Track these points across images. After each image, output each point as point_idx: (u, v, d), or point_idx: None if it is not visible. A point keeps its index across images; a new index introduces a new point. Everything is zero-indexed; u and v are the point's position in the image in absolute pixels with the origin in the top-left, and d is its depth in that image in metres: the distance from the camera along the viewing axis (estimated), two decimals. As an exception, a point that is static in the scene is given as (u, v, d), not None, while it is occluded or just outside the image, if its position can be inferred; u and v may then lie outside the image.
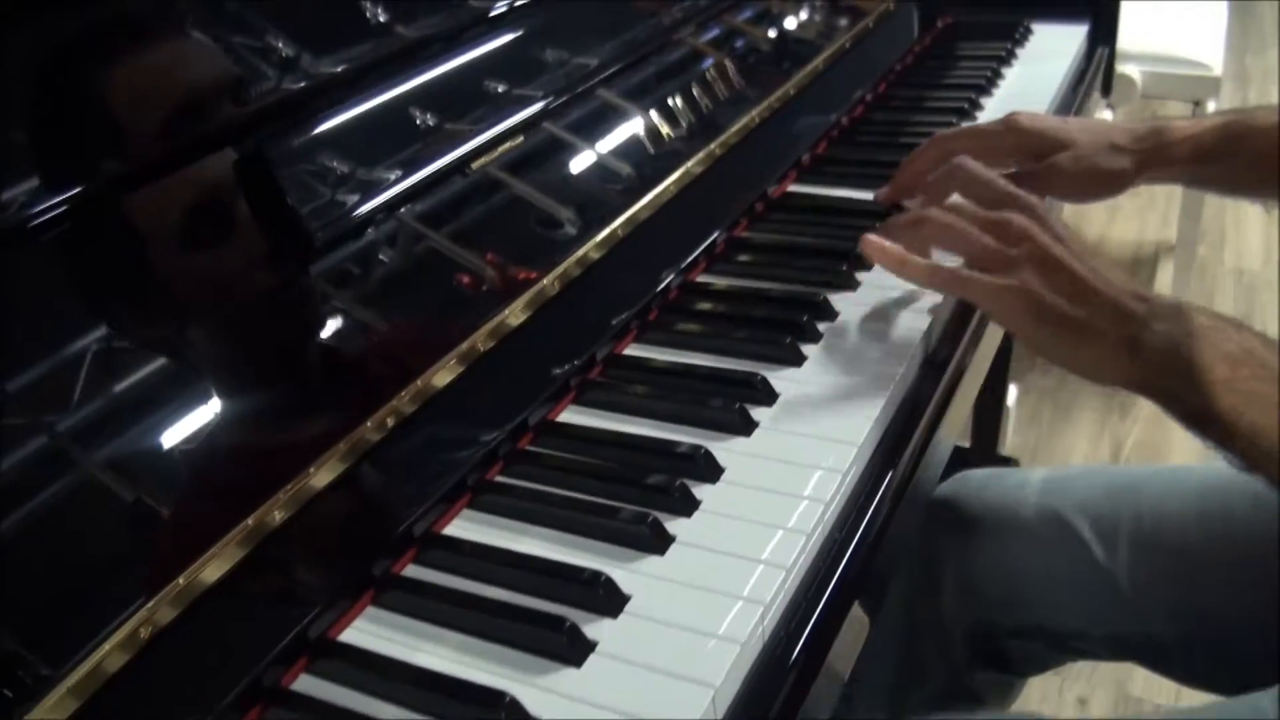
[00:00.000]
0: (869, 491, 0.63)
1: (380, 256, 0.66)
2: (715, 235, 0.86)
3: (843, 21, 1.22)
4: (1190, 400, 0.65)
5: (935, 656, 1.04)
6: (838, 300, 0.79)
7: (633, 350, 0.75)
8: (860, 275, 0.82)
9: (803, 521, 0.58)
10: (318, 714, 0.50)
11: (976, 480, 1.04)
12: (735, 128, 0.95)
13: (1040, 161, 0.89)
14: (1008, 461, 1.76)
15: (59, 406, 0.50)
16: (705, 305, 0.80)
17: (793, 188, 0.99)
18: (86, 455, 0.50)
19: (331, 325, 0.62)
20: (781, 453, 0.64)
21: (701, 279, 0.84)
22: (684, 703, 0.49)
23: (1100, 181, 0.88)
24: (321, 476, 0.56)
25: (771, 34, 1.10)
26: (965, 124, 1.09)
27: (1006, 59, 1.26)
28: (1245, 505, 0.89)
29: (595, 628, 0.53)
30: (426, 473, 0.61)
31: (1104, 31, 1.38)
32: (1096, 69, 1.36)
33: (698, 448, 0.63)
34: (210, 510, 0.53)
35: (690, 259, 0.83)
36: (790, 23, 1.14)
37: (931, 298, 0.79)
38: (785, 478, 0.62)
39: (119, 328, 0.53)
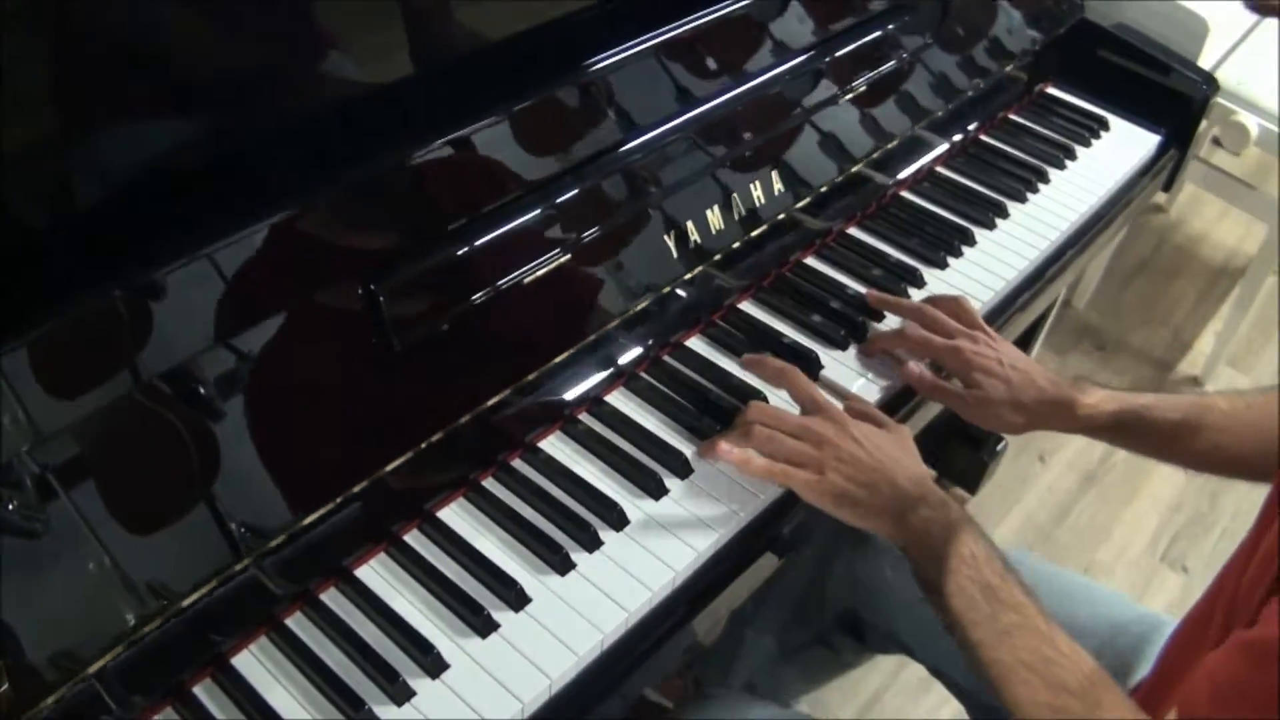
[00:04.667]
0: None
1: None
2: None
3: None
4: (927, 568, 0.92)
5: (813, 612, 1.38)
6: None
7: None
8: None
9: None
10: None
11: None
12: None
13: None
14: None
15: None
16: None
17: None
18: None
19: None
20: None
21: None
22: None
23: (995, 427, 1.11)
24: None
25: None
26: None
27: (1062, 158, 1.46)
28: (1093, 639, 1.06)
29: (502, 616, 0.88)
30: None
31: (1178, 140, 1.55)
32: (1162, 168, 1.54)
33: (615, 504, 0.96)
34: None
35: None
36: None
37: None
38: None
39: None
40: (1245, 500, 2.16)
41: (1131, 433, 1.10)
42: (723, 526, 0.97)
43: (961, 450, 2.03)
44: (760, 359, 1.08)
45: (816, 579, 1.36)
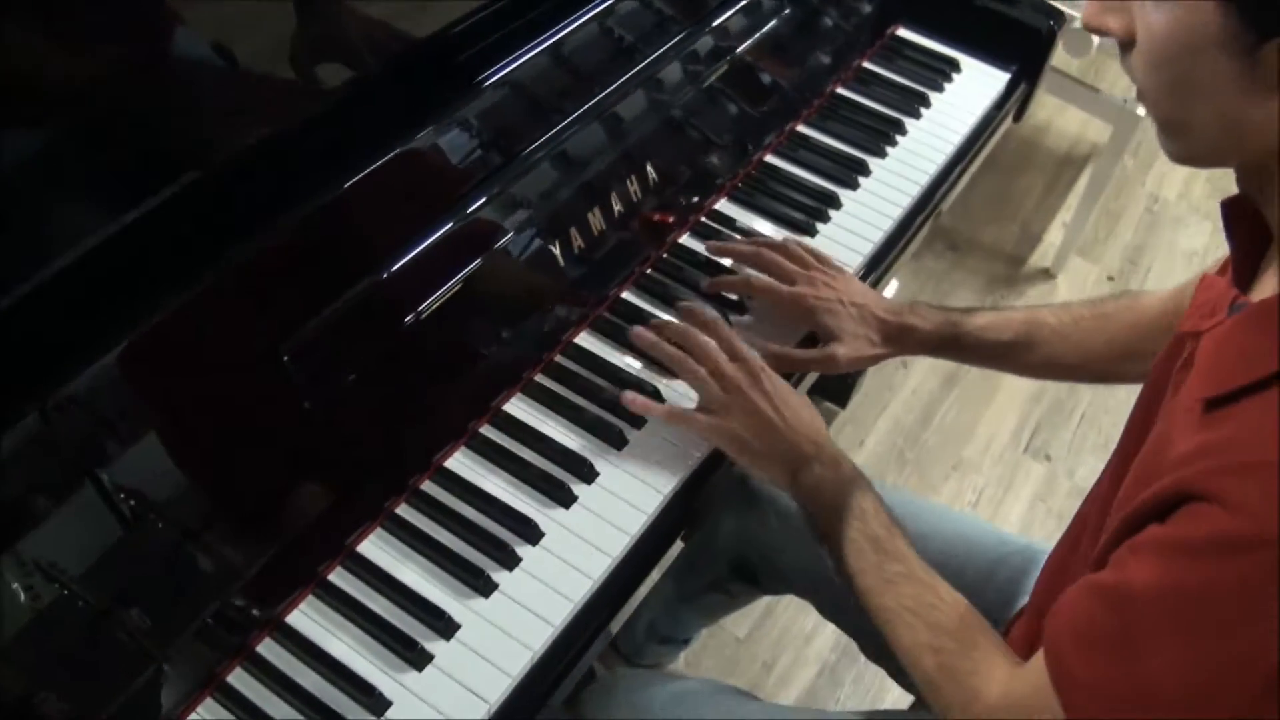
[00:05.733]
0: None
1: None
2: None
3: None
4: (820, 521, 1.00)
5: (708, 564, 1.46)
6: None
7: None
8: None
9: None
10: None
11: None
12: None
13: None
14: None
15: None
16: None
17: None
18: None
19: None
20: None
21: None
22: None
23: (864, 365, 1.20)
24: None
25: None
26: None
27: (918, 106, 1.51)
28: (976, 575, 1.19)
29: (435, 646, 0.92)
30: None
31: (1027, 75, 1.61)
32: (1015, 103, 1.62)
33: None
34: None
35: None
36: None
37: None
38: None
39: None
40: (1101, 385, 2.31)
41: (968, 352, 1.21)
42: (632, 526, 1.02)
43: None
44: (692, 309, 1.15)
45: (708, 533, 1.44)
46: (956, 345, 1.19)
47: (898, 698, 1.77)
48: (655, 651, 1.69)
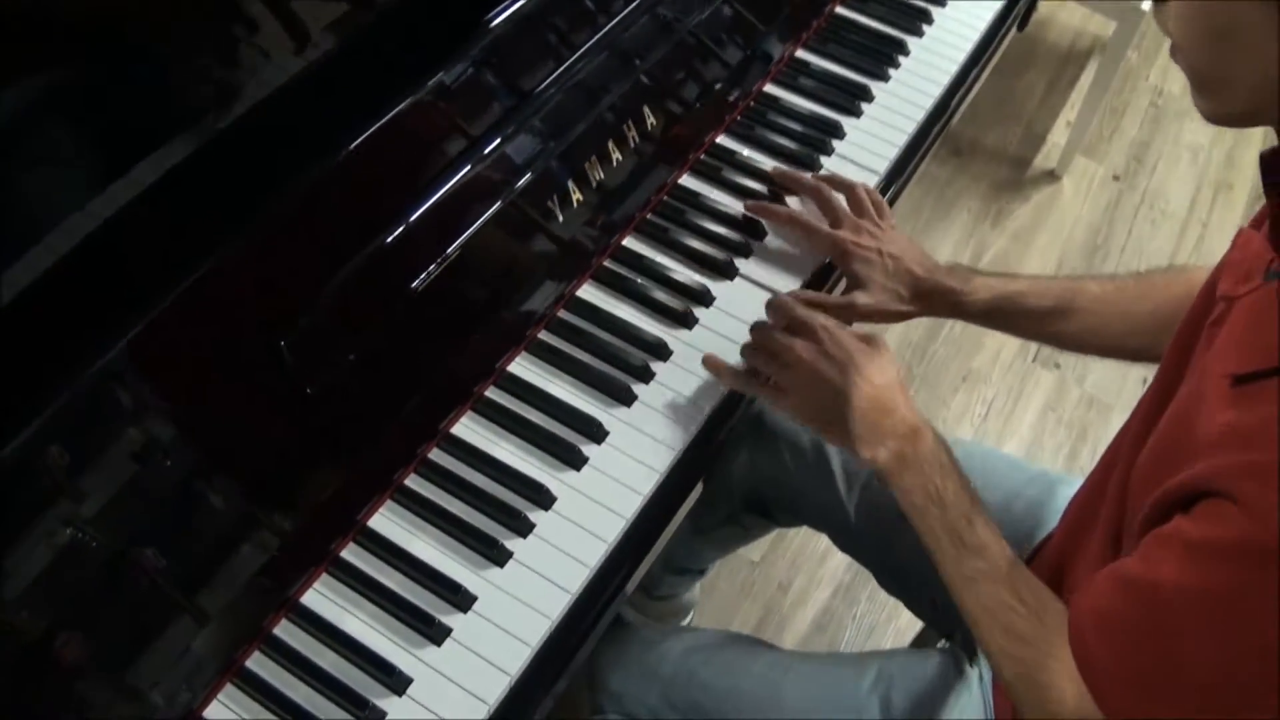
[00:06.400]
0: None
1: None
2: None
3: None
4: (899, 500, 0.96)
5: (723, 498, 1.46)
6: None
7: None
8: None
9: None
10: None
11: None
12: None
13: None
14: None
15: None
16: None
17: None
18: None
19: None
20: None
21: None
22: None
23: (886, 319, 1.17)
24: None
25: None
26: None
27: (919, 24, 1.46)
28: (993, 507, 1.11)
29: (452, 620, 0.92)
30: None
31: (1030, -16, 1.56)
32: (1020, 11, 1.57)
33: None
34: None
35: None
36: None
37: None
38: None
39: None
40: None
41: (1006, 319, 1.17)
42: (645, 486, 1.01)
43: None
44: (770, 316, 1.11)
45: (723, 469, 1.43)
46: (994, 311, 1.14)
47: (911, 617, 1.78)
48: (671, 582, 1.70)
